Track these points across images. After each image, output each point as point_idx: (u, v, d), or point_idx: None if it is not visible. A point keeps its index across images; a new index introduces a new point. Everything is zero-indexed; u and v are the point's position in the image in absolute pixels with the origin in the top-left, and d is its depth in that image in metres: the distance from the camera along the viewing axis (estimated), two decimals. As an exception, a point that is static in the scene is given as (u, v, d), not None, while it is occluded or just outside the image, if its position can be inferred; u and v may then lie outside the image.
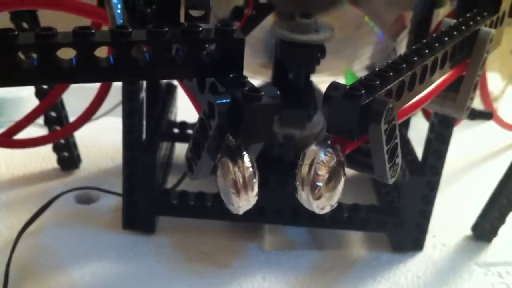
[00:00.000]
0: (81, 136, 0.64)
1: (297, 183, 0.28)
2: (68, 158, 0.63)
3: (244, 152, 0.28)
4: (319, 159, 0.28)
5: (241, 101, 0.27)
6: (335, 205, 0.29)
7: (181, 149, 0.68)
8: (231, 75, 0.29)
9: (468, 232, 0.59)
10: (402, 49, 0.57)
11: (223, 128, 0.28)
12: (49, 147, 0.62)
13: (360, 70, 0.59)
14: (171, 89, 0.66)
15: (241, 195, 0.28)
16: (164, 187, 0.59)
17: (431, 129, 0.53)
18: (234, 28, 0.29)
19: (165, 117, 0.61)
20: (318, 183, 0.28)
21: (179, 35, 0.29)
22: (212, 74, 0.29)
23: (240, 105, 0.27)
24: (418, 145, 0.57)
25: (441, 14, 0.56)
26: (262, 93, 0.27)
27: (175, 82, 0.67)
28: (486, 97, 0.69)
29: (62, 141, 0.62)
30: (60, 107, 0.60)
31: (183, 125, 0.66)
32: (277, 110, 0.28)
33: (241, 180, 0.28)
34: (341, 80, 0.51)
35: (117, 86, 0.53)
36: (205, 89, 0.30)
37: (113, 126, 0.63)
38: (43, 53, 0.27)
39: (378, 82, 0.30)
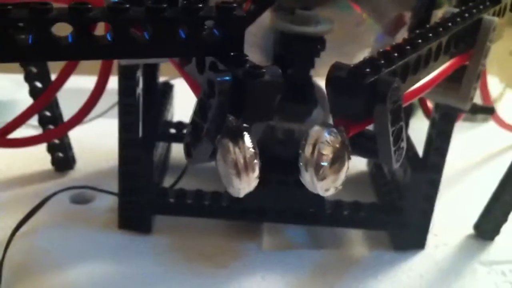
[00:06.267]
0: (75, 137, 0.63)
1: (300, 164, 0.27)
2: (63, 159, 0.62)
3: (245, 133, 0.27)
4: (323, 138, 0.27)
5: (243, 78, 0.26)
6: (340, 187, 0.28)
7: (177, 150, 0.67)
8: (232, 54, 0.28)
9: (470, 231, 0.59)
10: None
11: (224, 107, 0.27)
12: (43, 148, 0.61)
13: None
14: (168, 89, 0.65)
15: (242, 177, 0.27)
16: (161, 186, 0.58)
17: (432, 125, 0.52)
18: (235, 5, 0.28)
19: (161, 116, 0.60)
20: (322, 163, 0.27)
21: (179, 12, 0.28)
22: (212, 53, 0.29)
23: (241, 83, 0.26)
24: (418, 146, 0.56)
25: (439, 15, 0.56)
26: (264, 70, 0.27)
27: (172, 81, 0.66)
28: (486, 95, 0.68)
29: (57, 141, 0.61)
30: (54, 107, 0.59)
31: (180, 125, 0.65)
32: (279, 88, 0.27)
33: (242, 160, 0.27)
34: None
35: (111, 88, 0.52)
36: (204, 70, 0.29)
37: (108, 127, 0.62)
38: (38, 28, 0.26)
39: (382, 62, 0.29)
